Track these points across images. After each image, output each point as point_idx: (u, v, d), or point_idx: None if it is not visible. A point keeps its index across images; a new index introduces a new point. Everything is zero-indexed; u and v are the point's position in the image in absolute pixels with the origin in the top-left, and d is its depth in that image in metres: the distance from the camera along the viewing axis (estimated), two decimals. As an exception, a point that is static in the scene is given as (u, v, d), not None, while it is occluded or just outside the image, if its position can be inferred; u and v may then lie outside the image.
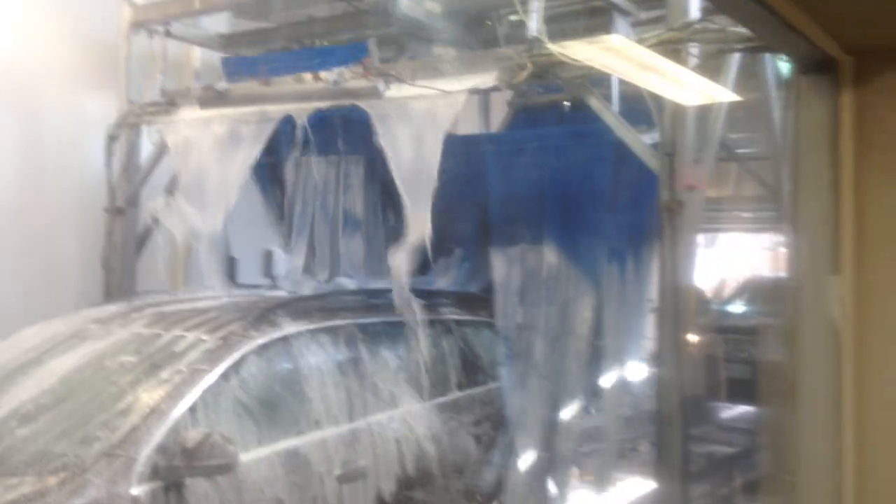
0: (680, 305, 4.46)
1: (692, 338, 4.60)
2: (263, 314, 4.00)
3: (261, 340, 3.85)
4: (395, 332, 4.67)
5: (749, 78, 5.40)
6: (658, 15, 5.09)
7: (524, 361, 5.35)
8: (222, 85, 5.72)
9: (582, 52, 4.15)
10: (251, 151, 5.53)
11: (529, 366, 5.34)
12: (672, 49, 4.15)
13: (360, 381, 4.23)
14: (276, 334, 3.96)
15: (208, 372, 3.54)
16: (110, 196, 6.60)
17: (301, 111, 5.42)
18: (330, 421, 3.98)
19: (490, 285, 5.61)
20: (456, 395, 4.88)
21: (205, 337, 3.78)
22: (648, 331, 5.42)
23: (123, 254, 6.60)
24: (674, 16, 4.37)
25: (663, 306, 4.52)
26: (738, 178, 8.30)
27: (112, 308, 4.54)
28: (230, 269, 6.25)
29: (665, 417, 4.50)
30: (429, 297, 4.99)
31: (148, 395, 3.40)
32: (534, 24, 4.60)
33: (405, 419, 4.37)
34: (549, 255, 5.46)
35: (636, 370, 5.80)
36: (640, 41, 4.16)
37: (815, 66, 2.66)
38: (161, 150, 6.39)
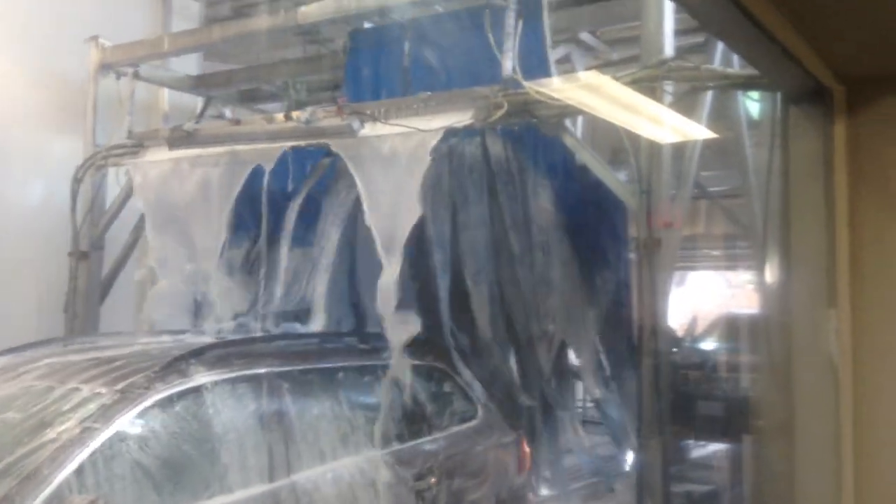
0: (658, 343, 4.43)
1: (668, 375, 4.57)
2: (172, 363, 3.55)
3: (165, 393, 3.42)
4: (328, 379, 4.23)
5: (720, 116, 5.47)
6: (631, 55, 5.15)
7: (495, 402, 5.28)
8: (190, 125, 5.63)
9: (558, 90, 4.15)
10: (229, 193, 5.41)
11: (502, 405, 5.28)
12: (647, 87, 4.17)
13: (284, 436, 3.77)
14: (185, 385, 3.52)
15: (100, 430, 3.15)
16: (74, 240, 6.43)
17: (272, 151, 5.34)
18: (245, 482, 3.53)
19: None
20: (396, 447, 4.33)
21: (102, 390, 3.38)
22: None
23: (87, 299, 6.41)
24: (648, 54, 4.41)
25: (641, 344, 4.48)
26: (709, 215, 8.39)
27: (6, 358, 4.09)
28: (196, 311, 6.11)
29: (646, 456, 4.44)
30: (367, 341, 4.64)
31: (28, 458, 3.01)
32: (509, 64, 4.60)
33: (336, 475, 3.92)
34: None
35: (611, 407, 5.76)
36: (616, 79, 4.17)
37: (807, 95, 2.65)
38: (127, 193, 6.26)
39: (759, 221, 5.22)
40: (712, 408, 8.08)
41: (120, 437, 3.19)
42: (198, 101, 7.43)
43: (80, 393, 3.38)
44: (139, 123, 6.58)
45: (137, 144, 6.14)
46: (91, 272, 6.44)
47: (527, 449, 4.90)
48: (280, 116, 5.26)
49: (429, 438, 4.52)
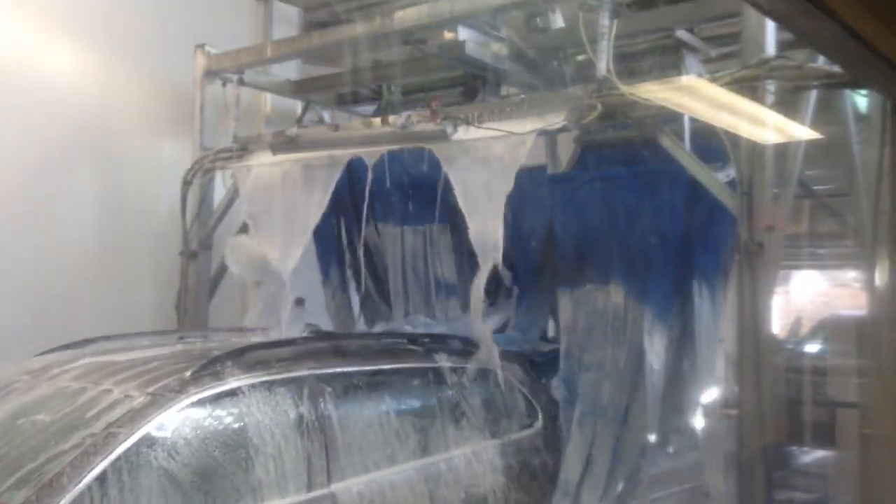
0: (761, 349, 4.32)
1: (772, 380, 4.45)
2: (207, 364, 3.37)
3: (198, 396, 3.25)
4: (376, 382, 4.00)
5: (825, 112, 5.26)
6: (731, 51, 5.01)
7: (590, 404, 5.20)
8: (292, 130, 5.84)
9: (653, 92, 4.10)
10: (323, 196, 5.60)
11: (596, 408, 5.21)
12: (748, 86, 4.06)
13: (325, 442, 3.54)
14: (220, 388, 3.33)
15: (126, 435, 2.98)
16: (184, 240, 6.76)
17: (369, 154, 5.49)
18: (281, 492, 3.34)
19: (546, 328, 5.55)
20: (446, 454, 4.07)
21: (134, 392, 3.23)
22: (720, 372, 5.27)
23: (196, 296, 6.73)
24: (749, 52, 4.29)
25: (743, 350, 4.38)
26: (813, 213, 8.06)
27: (51, 357, 3.99)
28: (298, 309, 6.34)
29: (747, 464, 4.35)
30: (424, 343, 4.44)
31: (51, 463, 2.85)
32: (603, 64, 4.56)
33: (381, 485, 3.70)
34: (617, 296, 5.34)
35: (709, 412, 5.62)
36: (714, 79, 4.09)
37: (914, 100, 2.53)
38: (233, 194, 6.54)
39: (866, 220, 5.01)
40: (818, 413, 7.81)
41: (147, 443, 3.03)
42: (298, 105, 7.67)
43: (111, 395, 3.24)
44: (243, 127, 6.84)
45: (242, 148, 6.41)
46: (200, 271, 6.75)
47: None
48: (377, 121, 5.39)
49: (486, 445, 4.27)
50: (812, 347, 9.65)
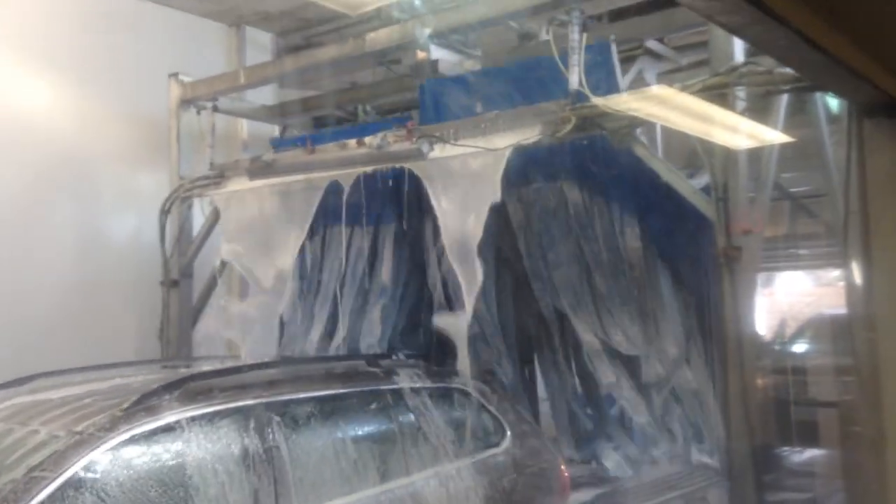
0: (745, 352, 4.34)
1: (758, 382, 4.47)
2: (142, 399, 3.16)
3: (130, 433, 3.02)
4: (329, 408, 3.76)
5: (798, 115, 5.32)
6: (700, 59, 5.06)
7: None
8: (269, 156, 5.84)
9: (625, 102, 4.13)
10: (304, 219, 5.61)
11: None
12: (718, 94, 4.10)
13: (274, 476, 3.30)
14: (155, 424, 3.10)
15: (50, 478, 2.76)
16: (165, 269, 6.72)
17: (346, 177, 5.50)
18: None
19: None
20: (407, 479, 3.82)
21: (60, 432, 3.00)
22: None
23: (179, 325, 6.69)
24: (717, 60, 4.34)
25: (727, 353, 4.40)
26: (793, 214, 8.13)
27: None
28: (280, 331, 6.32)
29: (736, 466, 4.35)
30: (383, 364, 4.19)
31: None
32: (575, 77, 4.60)
33: None
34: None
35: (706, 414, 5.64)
36: (685, 88, 4.12)
37: (881, 109, 2.57)
38: (213, 222, 6.52)
39: (842, 219, 5.06)
40: (805, 412, 7.84)
41: (74, 486, 2.80)
42: (275, 129, 7.67)
43: (38, 436, 3.02)
44: (220, 154, 6.84)
45: (219, 175, 6.40)
46: (182, 299, 6.72)
47: (566, 474, 4.54)
48: (353, 143, 5.40)
49: (450, 467, 3.98)
50: (798, 348, 9.70)
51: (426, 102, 5.52)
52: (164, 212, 6.68)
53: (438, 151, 5.00)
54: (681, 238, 5.35)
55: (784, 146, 4.91)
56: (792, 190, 6.94)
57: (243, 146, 7.38)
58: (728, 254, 4.29)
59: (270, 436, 3.37)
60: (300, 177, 5.65)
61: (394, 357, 4.57)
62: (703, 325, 5.38)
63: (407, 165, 5.18)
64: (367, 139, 5.25)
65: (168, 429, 3.13)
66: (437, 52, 5.52)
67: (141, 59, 7.09)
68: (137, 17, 7.14)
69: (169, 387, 3.26)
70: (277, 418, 3.43)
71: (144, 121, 7.16)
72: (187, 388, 3.31)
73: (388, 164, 5.22)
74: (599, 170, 5.28)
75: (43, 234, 6.53)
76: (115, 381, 3.78)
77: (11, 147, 6.30)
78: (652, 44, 5.08)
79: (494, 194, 4.78)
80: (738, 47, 4.32)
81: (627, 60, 5.30)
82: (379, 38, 5.55)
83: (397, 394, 4.01)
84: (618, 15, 5.30)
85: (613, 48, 4.79)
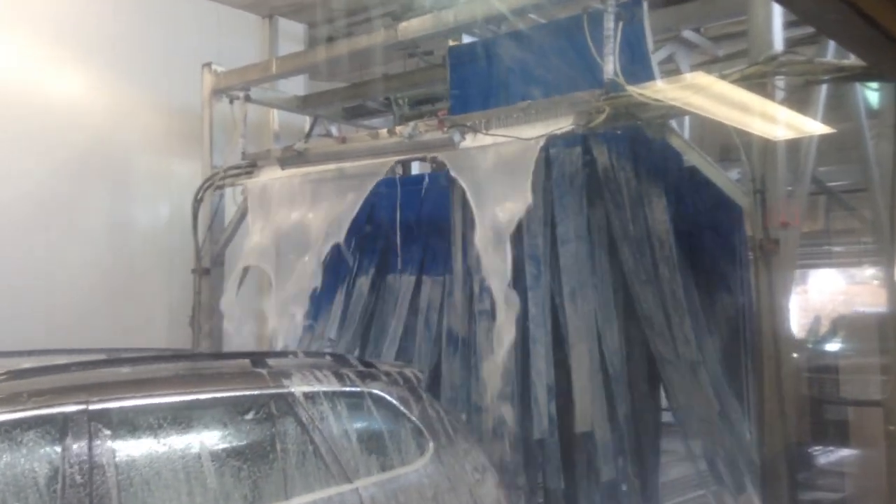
0: (780, 348, 4.26)
1: (793, 380, 4.39)
2: None
3: None
4: (190, 417, 3.05)
5: (837, 108, 5.22)
6: (738, 49, 4.98)
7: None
8: (300, 145, 5.85)
9: (662, 92, 4.07)
10: (347, 211, 5.60)
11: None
12: (757, 83, 4.02)
13: (100, 495, 2.65)
14: None
15: None
16: (196, 257, 6.77)
17: (378, 166, 5.49)
18: None
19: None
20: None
21: None
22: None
23: (210, 312, 6.74)
24: (756, 50, 4.25)
25: (762, 350, 4.32)
26: (829, 211, 8.00)
27: None
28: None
29: (770, 465, 4.28)
30: (272, 365, 3.45)
31: None
32: (610, 67, 4.54)
33: None
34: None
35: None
36: (723, 77, 4.06)
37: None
38: (243, 211, 6.56)
39: (884, 215, 4.96)
40: (838, 411, 7.72)
41: None
42: (306, 120, 7.69)
43: None
44: (252, 144, 6.88)
45: (251, 164, 6.43)
46: (213, 287, 6.76)
47: (503, 494, 3.92)
48: (384, 132, 5.39)
49: (341, 490, 3.27)
50: (833, 346, 9.56)
51: (455, 79, 5.44)
52: (197, 200, 6.73)
53: (470, 141, 4.97)
54: (707, 230, 5.16)
55: (821, 140, 4.82)
56: (831, 184, 6.83)
57: (275, 136, 7.41)
58: (765, 247, 4.21)
59: (94, 452, 2.69)
60: (332, 166, 5.66)
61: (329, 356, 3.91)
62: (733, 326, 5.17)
63: (438, 155, 5.17)
64: (399, 128, 5.24)
65: None
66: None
67: (175, 49, 7.16)
68: (171, 7, 7.22)
69: None
70: (107, 431, 2.74)
71: (178, 110, 7.22)
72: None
73: (419, 153, 5.20)
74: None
75: (77, 222, 6.64)
76: None
77: (47, 136, 6.40)
78: (688, 33, 4.99)
79: (526, 185, 4.74)
80: (778, 37, 4.23)
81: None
82: (411, 27, 5.53)
83: (283, 400, 3.29)
84: (654, 3, 5.22)
85: (648, 34, 4.68)
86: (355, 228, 5.98)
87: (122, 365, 3.19)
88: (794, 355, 4.46)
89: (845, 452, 7.74)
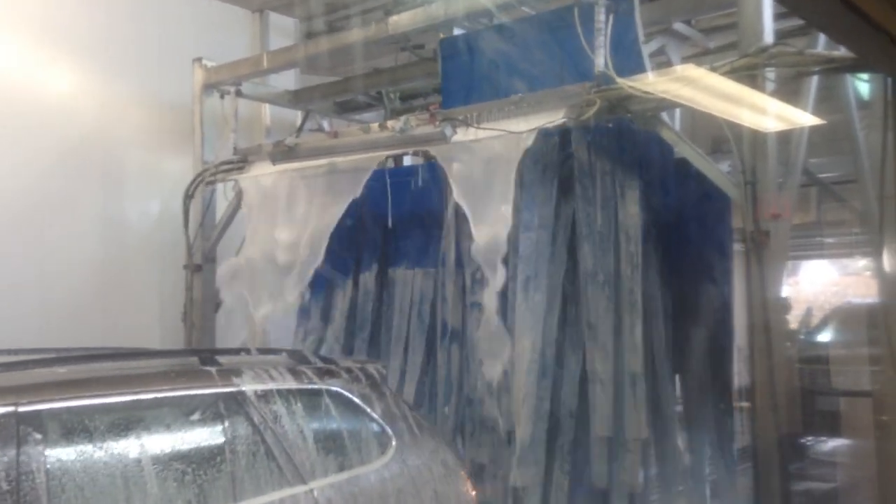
0: (772, 339, 4.27)
1: (785, 371, 4.41)
2: None
3: None
4: (131, 419, 2.87)
5: (827, 100, 5.23)
6: (729, 42, 4.98)
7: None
8: (291, 140, 5.83)
9: (653, 84, 4.07)
10: (336, 207, 5.58)
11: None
12: (748, 75, 4.03)
13: None
14: None
15: None
16: (188, 253, 6.76)
17: (370, 160, 5.48)
18: None
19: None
20: None
21: None
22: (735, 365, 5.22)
23: (202, 309, 6.72)
24: (746, 41, 4.25)
25: (754, 341, 4.33)
26: (821, 202, 8.02)
27: None
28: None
29: (762, 456, 4.30)
30: (221, 363, 3.31)
31: None
32: (601, 59, 4.54)
33: None
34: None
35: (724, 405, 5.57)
36: (714, 69, 4.06)
37: (919, 79, 2.49)
38: (235, 206, 6.54)
39: (874, 206, 4.98)
40: (830, 402, 7.77)
41: None
42: (297, 114, 7.67)
43: None
44: (243, 139, 6.85)
45: (243, 160, 6.41)
46: (205, 283, 6.75)
47: (472, 493, 3.83)
48: (375, 126, 5.38)
49: (290, 493, 3.14)
50: (824, 337, 9.60)
51: (446, 71, 5.41)
52: (188, 196, 6.70)
53: (461, 135, 4.97)
54: (693, 221, 5.04)
55: (812, 132, 4.83)
56: (822, 175, 6.85)
57: (266, 131, 7.39)
58: (756, 239, 4.22)
59: (23, 458, 2.51)
60: (323, 161, 5.64)
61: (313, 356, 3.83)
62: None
63: (430, 149, 5.17)
64: (390, 122, 5.23)
65: None
66: (460, 36, 5.46)
67: (165, 44, 7.13)
68: (162, 2, 7.18)
69: None
70: (37, 434, 2.57)
71: (168, 105, 7.19)
72: None
73: (411, 147, 5.19)
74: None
75: (67, 219, 6.60)
76: None
77: (37, 131, 6.36)
78: (679, 25, 4.99)
79: (511, 177, 4.73)
80: (768, 28, 4.24)
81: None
82: (402, 21, 5.52)
83: (233, 399, 3.16)
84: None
85: (639, 26, 4.67)
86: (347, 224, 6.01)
87: (56, 365, 3.00)
88: (787, 343, 4.48)
89: (837, 442, 7.79)
